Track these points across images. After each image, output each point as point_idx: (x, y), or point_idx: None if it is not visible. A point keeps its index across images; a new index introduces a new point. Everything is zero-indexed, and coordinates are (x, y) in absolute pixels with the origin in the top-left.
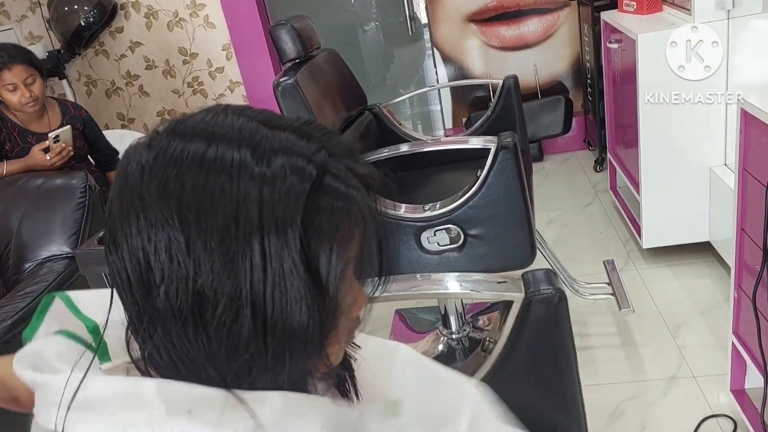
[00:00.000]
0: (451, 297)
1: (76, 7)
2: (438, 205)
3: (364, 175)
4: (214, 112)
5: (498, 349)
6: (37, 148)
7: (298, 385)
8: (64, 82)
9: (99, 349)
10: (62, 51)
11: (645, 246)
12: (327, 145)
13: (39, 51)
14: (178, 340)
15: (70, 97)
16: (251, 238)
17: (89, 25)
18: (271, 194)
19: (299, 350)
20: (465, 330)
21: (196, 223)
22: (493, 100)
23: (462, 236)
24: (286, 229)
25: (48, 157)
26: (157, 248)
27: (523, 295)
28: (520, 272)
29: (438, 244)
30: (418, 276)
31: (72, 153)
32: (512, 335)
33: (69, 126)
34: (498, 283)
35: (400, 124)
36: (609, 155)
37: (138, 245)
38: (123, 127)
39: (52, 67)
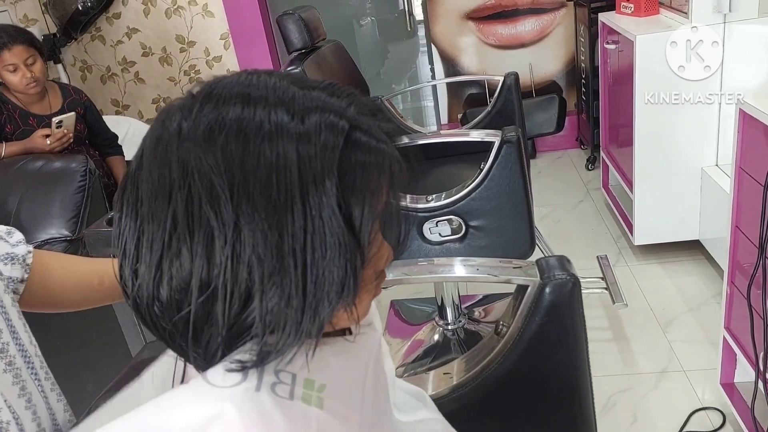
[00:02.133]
0: (465, 281)
1: None
2: (443, 196)
3: (391, 132)
4: (247, 74)
5: (511, 332)
6: (39, 133)
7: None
8: (59, 66)
9: None
10: (58, 35)
11: (636, 243)
12: (355, 102)
13: (34, 34)
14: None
15: (64, 82)
16: (292, 189)
17: (86, 10)
18: (308, 149)
19: (336, 298)
20: (461, 321)
21: (240, 174)
22: (494, 96)
23: (464, 227)
24: (323, 180)
25: (48, 142)
26: (200, 195)
27: (539, 280)
28: (529, 260)
29: (440, 234)
30: (428, 260)
31: (72, 139)
32: (526, 319)
33: (73, 113)
34: (513, 268)
35: (402, 117)
36: (602, 154)
37: (179, 196)
38: (117, 113)
39: (47, 51)
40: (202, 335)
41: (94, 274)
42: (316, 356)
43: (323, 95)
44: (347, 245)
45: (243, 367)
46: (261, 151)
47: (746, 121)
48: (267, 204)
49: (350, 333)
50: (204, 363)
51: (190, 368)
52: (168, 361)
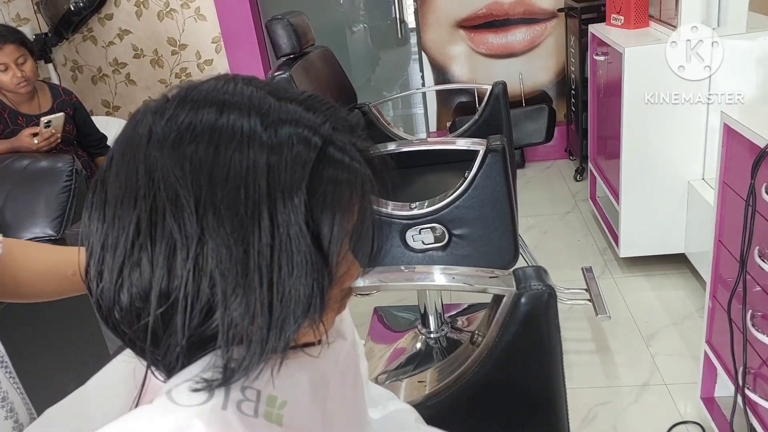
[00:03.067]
0: (442, 289)
1: None
2: (426, 204)
3: (365, 151)
4: (225, 80)
5: (486, 342)
6: (27, 132)
7: None
8: (50, 66)
9: None
10: (49, 35)
11: (622, 255)
12: (331, 118)
13: (26, 33)
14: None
15: (55, 82)
16: (259, 205)
17: (78, 10)
18: (278, 162)
19: (302, 316)
20: (443, 330)
21: (207, 187)
22: (481, 105)
23: (447, 236)
24: (292, 196)
25: (35, 141)
26: (165, 206)
27: (515, 290)
28: (507, 270)
29: (423, 242)
30: (408, 268)
31: (59, 140)
32: (501, 329)
33: (63, 114)
34: (490, 277)
35: (389, 124)
36: (590, 165)
37: (143, 205)
38: (108, 114)
39: (38, 51)
40: (161, 344)
41: (67, 264)
42: (281, 372)
43: (299, 109)
44: (314, 264)
45: (209, 386)
46: (230, 161)
47: (730, 135)
48: (233, 218)
49: (319, 343)
50: (165, 370)
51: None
52: (121, 363)
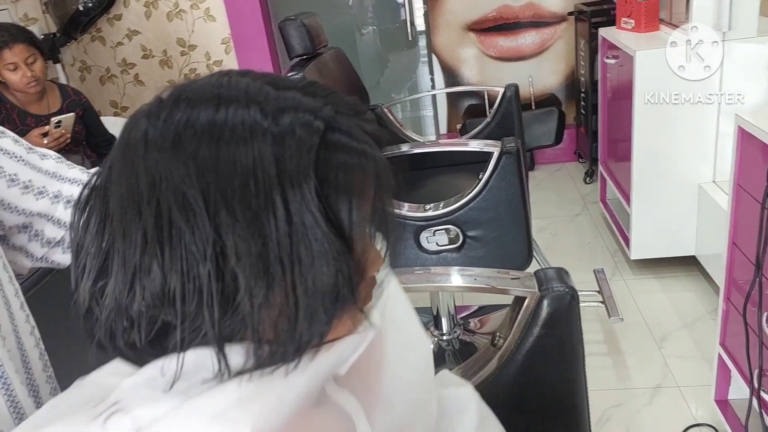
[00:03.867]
0: (462, 291)
1: None
2: (441, 205)
3: (372, 132)
4: (218, 75)
5: (507, 344)
6: (36, 132)
7: None
8: (58, 66)
9: None
10: (58, 35)
11: (633, 257)
12: (332, 101)
13: (35, 33)
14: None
15: (63, 82)
16: (271, 195)
17: (87, 10)
18: (282, 150)
19: (332, 306)
20: (456, 332)
21: (215, 183)
22: (494, 107)
23: (461, 237)
24: (301, 184)
25: (45, 142)
26: (171, 211)
27: (537, 292)
28: (526, 271)
29: (437, 244)
30: (425, 269)
31: (69, 140)
32: (523, 331)
33: (73, 114)
34: (512, 279)
35: (401, 126)
36: (600, 168)
37: (147, 211)
38: (116, 114)
39: (47, 51)
40: (167, 343)
41: None
42: None
43: (299, 95)
44: (336, 252)
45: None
46: (235, 155)
47: (745, 138)
48: (246, 212)
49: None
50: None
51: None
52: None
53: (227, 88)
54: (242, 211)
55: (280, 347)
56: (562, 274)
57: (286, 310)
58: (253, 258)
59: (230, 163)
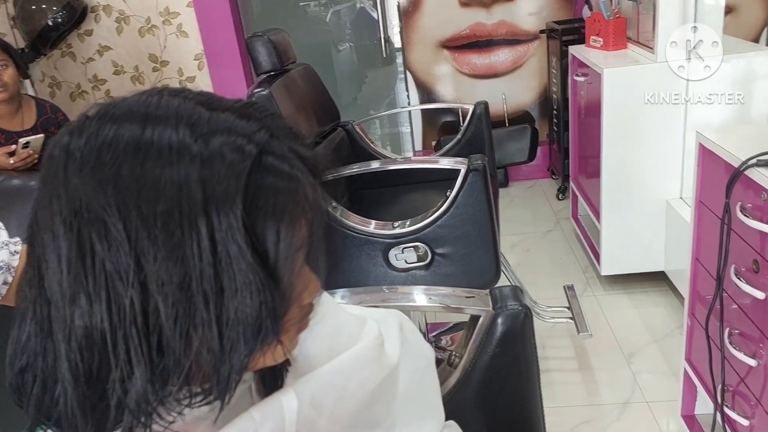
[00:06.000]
0: (419, 310)
1: (44, 6)
2: (408, 223)
3: (308, 158)
4: (149, 94)
5: (463, 363)
6: (2, 151)
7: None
8: (27, 82)
9: None
10: (26, 50)
11: (603, 273)
12: (268, 125)
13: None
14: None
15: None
16: (195, 221)
17: (57, 25)
18: (210, 174)
19: (253, 338)
20: None
21: (137, 210)
22: (464, 124)
23: (429, 255)
24: (227, 211)
25: (12, 161)
26: (92, 239)
27: (491, 310)
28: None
29: (405, 261)
30: (385, 289)
31: (36, 161)
32: (478, 350)
33: (42, 135)
34: (466, 297)
35: (372, 143)
36: (572, 184)
37: (70, 237)
38: None
39: (21, 63)
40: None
41: None
42: None
43: (232, 117)
44: (260, 284)
45: None
46: (160, 178)
47: (706, 155)
48: (168, 240)
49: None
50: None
51: None
52: None
53: (156, 108)
54: (164, 238)
55: (205, 383)
56: (516, 292)
57: (207, 341)
58: (174, 287)
59: (154, 186)
